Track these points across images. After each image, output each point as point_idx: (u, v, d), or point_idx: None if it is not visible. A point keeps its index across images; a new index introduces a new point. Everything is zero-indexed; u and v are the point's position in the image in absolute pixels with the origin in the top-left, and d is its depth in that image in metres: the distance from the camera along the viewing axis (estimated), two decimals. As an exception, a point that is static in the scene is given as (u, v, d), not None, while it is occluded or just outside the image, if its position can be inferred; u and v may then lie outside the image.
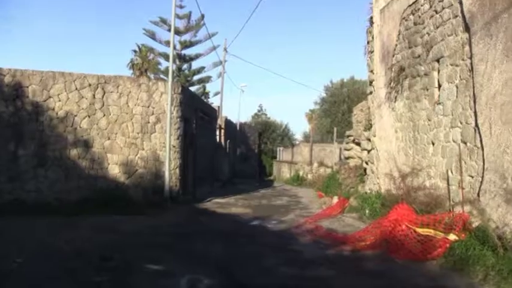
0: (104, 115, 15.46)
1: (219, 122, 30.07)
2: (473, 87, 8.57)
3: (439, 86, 10.21)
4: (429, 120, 10.59)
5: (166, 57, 38.81)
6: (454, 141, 9.34)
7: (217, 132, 29.40)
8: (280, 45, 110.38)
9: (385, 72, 13.55)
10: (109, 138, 15.46)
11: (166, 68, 33.90)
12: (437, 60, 10.28)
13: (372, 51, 14.79)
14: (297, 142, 49.63)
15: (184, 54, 43.05)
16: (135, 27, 79.58)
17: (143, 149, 15.75)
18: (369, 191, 14.56)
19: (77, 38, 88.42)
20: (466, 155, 8.75)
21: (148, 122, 15.86)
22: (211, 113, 25.26)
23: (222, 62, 36.90)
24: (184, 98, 16.80)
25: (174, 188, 15.88)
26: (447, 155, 9.62)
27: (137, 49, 41.36)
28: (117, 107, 15.60)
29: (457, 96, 9.27)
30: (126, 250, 8.55)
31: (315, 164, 30.21)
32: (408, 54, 11.97)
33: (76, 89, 15.28)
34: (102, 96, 15.50)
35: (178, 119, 16.28)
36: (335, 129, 32.22)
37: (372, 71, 14.79)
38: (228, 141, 33.65)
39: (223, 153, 31.24)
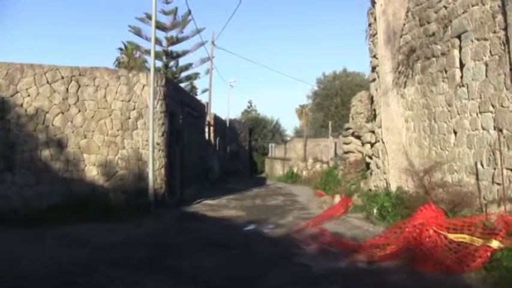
0: (79, 111, 13.89)
1: (207, 118, 28.63)
2: (510, 63, 7.20)
3: (462, 65, 8.85)
4: (449, 105, 9.23)
5: (152, 53, 37.08)
6: (484, 128, 7.97)
7: (206, 129, 27.98)
8: (270, 39, 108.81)
9: (391, 55, 12.18)
10: (85, 137, 13.89)
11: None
12: (458, 37, 8.93)
13: (374, 34, 13.39)
14: (289, 138, 48.35)
15: (171, 51, 41.45)
16: (120, 26, 77.64)
17: (124, 148, 14.21)
18: (374, 188, 13.20)
19: (59, 38, 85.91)
20: (502, 144, 7.37)
21: (129, 118, 14.32)
22: (199, 109, 23.71)
23: (210, 57, 35.36)
24: (168, 91, 15.28)
25: (159, 190, 14.37)
26: (475, 146, 8.25)
27: (123, 47, 39.72)
28: (94, 102, 14.04)
29: (486, 76, 7.92)
30: (97, 270, 7.02)
31: (310, 160, 28.91)
32: (420, 33, 10.62)
33: (47, 82, 13.70)
34: (77, 90, 13.93)
35: (162, 114, 14.78)
36: (330, 123, 30.98)
37: (374, 56, 13.39)
38: (218, 138, 32.29)
39: (213, 150, 29.91)
